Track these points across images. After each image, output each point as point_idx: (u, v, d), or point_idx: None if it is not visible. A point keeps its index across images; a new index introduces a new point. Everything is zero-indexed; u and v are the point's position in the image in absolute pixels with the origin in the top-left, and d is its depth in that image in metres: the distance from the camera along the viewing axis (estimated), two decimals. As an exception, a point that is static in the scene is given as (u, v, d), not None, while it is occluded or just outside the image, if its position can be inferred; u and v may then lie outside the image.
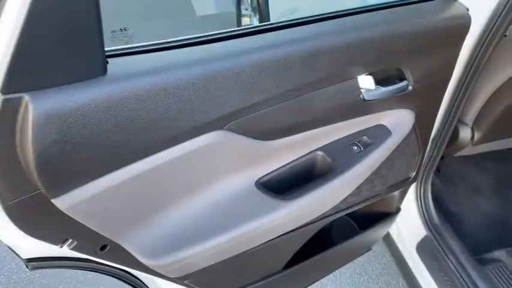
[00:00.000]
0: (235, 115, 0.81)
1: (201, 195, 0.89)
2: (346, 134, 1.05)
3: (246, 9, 1.63)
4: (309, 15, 0.92)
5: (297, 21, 0.90)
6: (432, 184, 1.52)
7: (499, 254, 1.54)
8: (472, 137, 1.55)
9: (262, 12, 1.53)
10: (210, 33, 0.83)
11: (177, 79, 0.71)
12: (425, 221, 1.53)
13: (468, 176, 1.92)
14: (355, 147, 1.05)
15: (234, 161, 0.89)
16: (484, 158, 1.94)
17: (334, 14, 0.95)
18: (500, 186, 1.87)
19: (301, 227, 1.05)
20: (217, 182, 0.90)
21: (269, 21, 1.51)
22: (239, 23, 1.67)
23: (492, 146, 1.62)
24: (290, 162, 1.00)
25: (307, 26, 0.90)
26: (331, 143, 1.05)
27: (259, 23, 1.56)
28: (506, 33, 1.32)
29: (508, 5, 1.04)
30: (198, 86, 0.73)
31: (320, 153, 1.04)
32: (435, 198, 1.53)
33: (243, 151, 0.89)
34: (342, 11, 0.96)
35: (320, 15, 0.94)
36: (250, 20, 1.62)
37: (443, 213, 1.56)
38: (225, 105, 0.78)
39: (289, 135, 0.95)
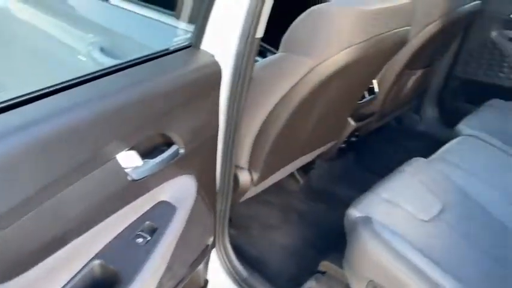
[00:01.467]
0: None
1: None
2: (125, 227, 0.83)
3: None
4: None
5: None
6: (230, 237, 1.43)
7: (310, 283, 1.55)
8: (252, 179, 1.53)
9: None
10: None
11: None
12: (236, 280, 1.42)
13: (256, 215, 1.93)
14: (140, 239, 0.83)
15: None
16: (264, 192, 1.99)
17: (64, 85, 0.73)
18: (285, 215, 1.94)
19: None
20: None
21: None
22: None
23: (272, 180, 1.64)
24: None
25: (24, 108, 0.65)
26: (108, 244, 0.81)
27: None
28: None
29: (248, 47, 1.02)
30: None
31: (97, 262, 0.79)
32: (236, 250, 1.44)
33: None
34: (73, 79, 0.75)
35: (45, 89, 0.71)
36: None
37: (248, 263, 1.48)
38: None
39: (44, 259, 0.67)
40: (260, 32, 1.01)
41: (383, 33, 1.26)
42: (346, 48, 1.16)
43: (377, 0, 1.23)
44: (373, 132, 2.20)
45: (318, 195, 2.07)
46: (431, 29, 1.73)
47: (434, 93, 2.46)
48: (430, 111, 2.50)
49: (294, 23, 1.19)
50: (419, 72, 2.05)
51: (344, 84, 1.38)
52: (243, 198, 1.63)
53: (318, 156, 1.91)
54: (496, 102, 2.05)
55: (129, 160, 0.78)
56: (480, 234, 1.31)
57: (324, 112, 1.48)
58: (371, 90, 1.85)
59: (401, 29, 1.34)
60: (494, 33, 2.21)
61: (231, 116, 1.07)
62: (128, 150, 0.78)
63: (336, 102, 1.50)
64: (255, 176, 1.51)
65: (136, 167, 0.79)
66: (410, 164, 1.54)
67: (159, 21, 1.26)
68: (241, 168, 1.48)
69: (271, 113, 1.31)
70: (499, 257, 1.24)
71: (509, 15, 2.14)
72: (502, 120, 1.91)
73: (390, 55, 1.49)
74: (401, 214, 1.32)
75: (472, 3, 1.90)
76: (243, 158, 1.45)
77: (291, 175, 2.06)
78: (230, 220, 1.49)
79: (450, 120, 1.99)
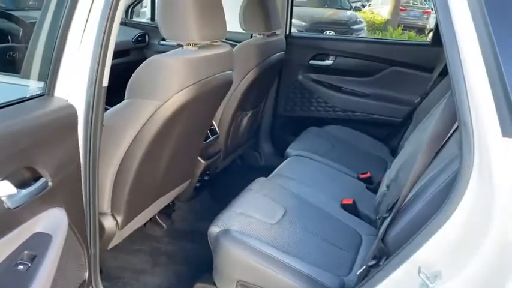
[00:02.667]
0: None
1: None
2: (4, 257, 0.88)
3: None
4: None
5: None
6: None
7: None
8: (117, 222, 1.61)
9: None
10: None
11: None
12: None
13: (127, 265, 1.97)
14: (21, 266, 0.89)
15: None
16: (131, 243, 2.05)
17: None
18: (155, 259, 2.03)
19: None
20: None
21: None
22: None
23: (137, 223, 1.74)
24: None
25: None
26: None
27: None
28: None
29: (96, 95, 1.18)
30: None
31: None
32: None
33: None
34: None
35: None
36: None
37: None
38: None
39: None
40: (105, 82, 1.19)
41: (210, 76, 1.55)
42: (181, 90, 1.41)
43: (203, 50, 1.53)
44: (223, 171, 2.47)
45: (184, 234, 2.22)
46: (252, 75, 2.13)
47: (267, 131, 2.89)
48: (266, 147, 2.91)
49: (135, 72, 1.40)
50: (250, 113, 2.43)
51: (187, 123, 1.62)
52: (111, 245, 1.69)
53: (177, 198, 2.08)
54: (312, 129, 2.56)
55: (4, 189, 0.86)
56: (315, 225, 1.64)
57: (175, 151, 1.68)
58: (213, 131, 2.14)
59: (224, 72, 1.66)
60: (300, 77, 2.78)
61: (87, 157, 1.19)
62: (1, 180, 0.87)
63: (183, 141, 1.72)
64: (119, 219, 1.60)
65: (11, 196, 0.88)
66: (254, 182, 1.83)
67: (9, 83, 1.34)
68: (104, 214, 1.56)
69: (126, 154, 1.46)
70: (328, 237, 1.58)
71: (308, 61, 2.73)
72: (317, 141, 2.40)
73: (221, 95, 1.80)
74: (254, 222, 1.57)
75: (277, 54, 2.39)
76: (105, 202, 1.54)
77: (155, 222, 2.17)
78: (101, 272, 1.54)
79: (283, 151, 2.40)
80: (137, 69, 1.40)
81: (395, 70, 2.62)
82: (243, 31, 2.17)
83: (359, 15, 10.15)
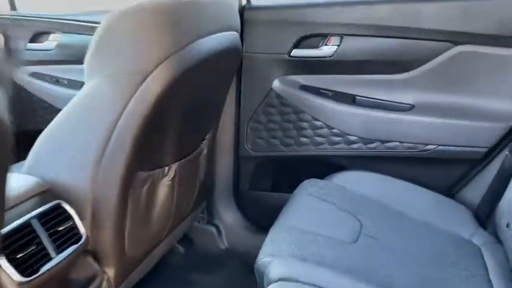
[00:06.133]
0: None
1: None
2: None
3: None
4: None
5: None
6: None
7: None
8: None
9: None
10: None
11: None
12: None
13: None
14: None
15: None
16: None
17: None
18: None
19: None
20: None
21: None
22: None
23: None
24: None
25: None
26: None
27: None
28: None
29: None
30: None
31: None
32: None
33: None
34: None
35: None
36: None
37: None
38: None
39: None
40: None
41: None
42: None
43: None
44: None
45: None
46: (159, 81, 0.90)
47: (226, 188, 1.60)
48: (228, 215, 1.62)
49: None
50: (175, 168, 1.15)
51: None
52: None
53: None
54: (309, 185, 1.27)
55: None
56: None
57: None
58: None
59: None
60: (276, 82, 1.45)
61: None
62: None
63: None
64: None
65: None
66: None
67: None
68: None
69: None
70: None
71: (289, 52, 1.43)
72: (325, 217, 1.12)
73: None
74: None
75: (224, 35, 1.12)
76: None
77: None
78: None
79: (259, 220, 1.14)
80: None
81: (466, 52, 1.32)
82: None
83: None
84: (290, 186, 1.34)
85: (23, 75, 1.76)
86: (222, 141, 1.53)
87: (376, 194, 1.24)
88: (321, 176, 1.36)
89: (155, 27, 0.89)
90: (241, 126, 1.53)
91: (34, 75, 1.75)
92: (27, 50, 1.75)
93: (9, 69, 1.76)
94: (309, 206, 1.14)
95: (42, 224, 0.83)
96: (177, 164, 1.15)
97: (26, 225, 0.81)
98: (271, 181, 1.61)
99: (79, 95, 0.93)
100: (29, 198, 0.86)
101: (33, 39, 1.75)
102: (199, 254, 1.63)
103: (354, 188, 1.25)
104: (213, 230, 1.63)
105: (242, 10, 1.41)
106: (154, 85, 0.90)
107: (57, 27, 1.70)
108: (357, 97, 1.43)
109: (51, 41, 1.74)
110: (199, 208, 1.52)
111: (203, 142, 1.33)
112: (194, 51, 0.98)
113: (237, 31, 1.24)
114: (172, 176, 1.13)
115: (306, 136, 1.47)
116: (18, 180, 0.90)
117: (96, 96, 0.92)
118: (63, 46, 1.73)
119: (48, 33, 1.75)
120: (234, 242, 1.62)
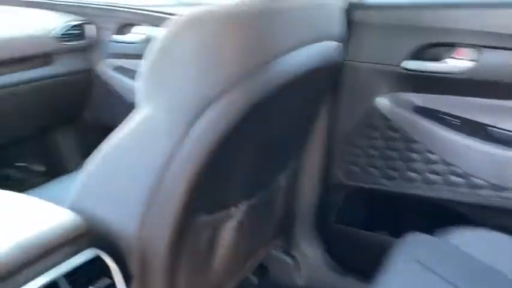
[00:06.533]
0: None
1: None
2: None
3: None
4: None
5: None
6: None
7: None
8: None
9: None
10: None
11: None
12: None
13: None
14: None
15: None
16: None
17: None
18: None
19: None
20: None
21: None
22: None
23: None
24: None
25: None
26: None
27: None
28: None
29: None
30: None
31: None
32: None
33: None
34: None
35: None
36: None
37: None
38: None
39: None
40: None
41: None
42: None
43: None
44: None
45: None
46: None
47: (308, 217, 1.35)
48: (307, 246, 1.38)
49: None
50: (245, 207, 0.94)
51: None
52: None
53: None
54: (414, 240, 0.96)
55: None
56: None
57: None
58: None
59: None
60: (381, 100, 1.16)
61: None
62: None
63: None
64: None
65: None
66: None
67: None
68: None
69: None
70: None
71: (400, 63, 1.12)
72: None
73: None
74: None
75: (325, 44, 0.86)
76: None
77: None
78: None
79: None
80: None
81: None
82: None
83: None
84: (387, 227, 1.07)
85: (106, 69, 1.67)
86: (308, 163, 1.28)
87: (509, 266, 0.91)
88: (430, 224, 1.05)
89: (227, 41, 0.68)
90: (333, 149, 1.27)
91: (118, 69, 1.66)
92: (112, 42, 1.65)
93: (94, 62, 1.69)
94: (411, 281, 0.86)
95: (71, 283, 0.68)
96: (246, 203, 0.93)
97: (50, 285, 0.66)
98: (364, 217, 1.33)
99: (129, 124, 0.75)
100: (62, 246, 0.71)
101: (120, 31, 1.65)
102: (273, 286, 1.43)
103: (477, 254, 0.94)
104: (291, 261, 1.41)
105: (349, 9, 1.13)
106: (221, 117, 0.69)
107: (141, 19, 1.58)
108: (489, 128, 1.09)
109: (134, 34, 1.62)
110: (275, 242, 1.31)
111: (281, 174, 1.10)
112: (276, 71, 0.74)
113: (338, 40, 0.97)
114: (239, 218, 0.92)
115: (415, 171, 1.16)
116: (58, 216, 0.76)
117: (148, 131, 0.74)
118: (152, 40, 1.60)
119: (132, 25, 1.63)
120: (313, 279, 1.38)
